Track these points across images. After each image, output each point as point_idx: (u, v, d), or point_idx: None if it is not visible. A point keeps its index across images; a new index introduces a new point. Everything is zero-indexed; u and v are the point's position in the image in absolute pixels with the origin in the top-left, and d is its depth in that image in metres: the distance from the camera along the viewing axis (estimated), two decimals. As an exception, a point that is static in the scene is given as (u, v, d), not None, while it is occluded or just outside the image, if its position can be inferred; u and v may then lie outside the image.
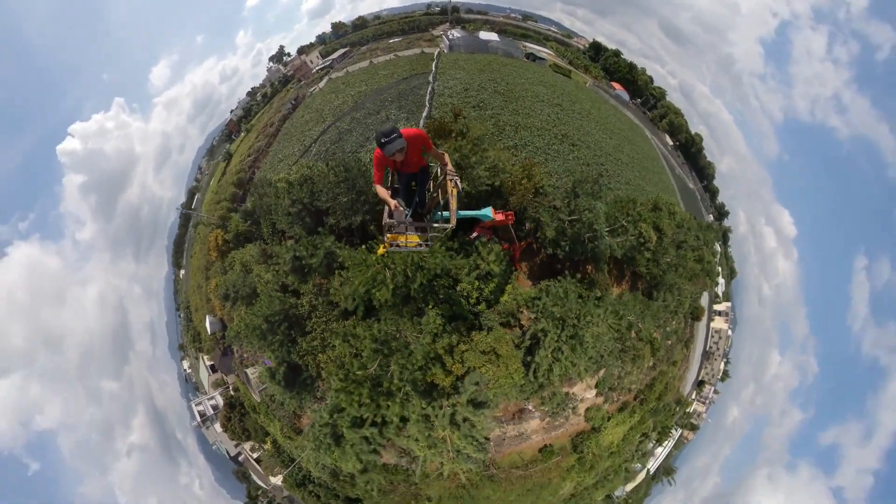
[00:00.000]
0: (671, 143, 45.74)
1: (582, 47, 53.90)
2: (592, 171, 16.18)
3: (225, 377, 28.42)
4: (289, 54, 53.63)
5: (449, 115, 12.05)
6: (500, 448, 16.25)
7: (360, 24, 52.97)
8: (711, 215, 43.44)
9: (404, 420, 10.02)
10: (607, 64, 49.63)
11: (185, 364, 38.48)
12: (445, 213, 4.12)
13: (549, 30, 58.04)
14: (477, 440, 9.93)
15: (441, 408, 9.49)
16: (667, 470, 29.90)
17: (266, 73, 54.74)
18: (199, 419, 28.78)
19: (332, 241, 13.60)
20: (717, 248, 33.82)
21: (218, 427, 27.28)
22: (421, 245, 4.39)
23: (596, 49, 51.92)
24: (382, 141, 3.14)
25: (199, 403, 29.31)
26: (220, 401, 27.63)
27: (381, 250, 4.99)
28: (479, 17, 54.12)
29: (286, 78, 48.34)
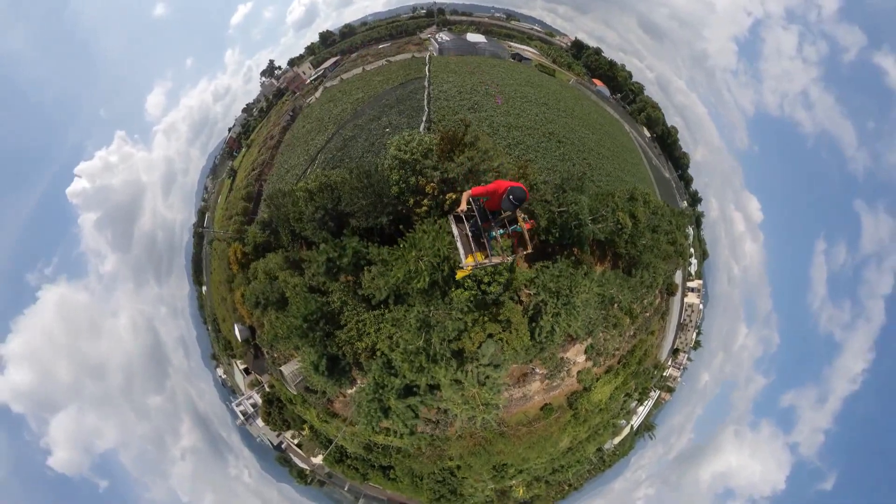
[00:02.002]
0: (649, 135, 48.96)
1: (564, 45, 56.23)
2: (577, 169, 18.72)
3: (259, 377, 30.35)
4: (279, 67, 53.50)
5: (460, 127, 14.00)
6: (508, 409, 19.00)
7: (348, 31, 53.17)
8: (686, 202, 47.26)
9: (437, 388, 12.35)
10: (589, 62, 52.28)
11: (220, 371, 40.39)
12: (514, 227, 4.71)
13: (532, 28, 59.90)
14: (497, 393, 12.47)
15: (468, 372, 11.92)
16: (648, 426, 34.24)
17: (259, 88, 54.63)
18: (242, 418, 30.99)
19: (357, 242, 15.40)
20: (690, 231, 37.83)
21: (260, 422, 29.49)
22: (498, 259, 4.76)
23: (578, 47, 54.44)
24: (514, 202, 3.70)
25: (240, 404, 31.49)
26: (257, 399, 29.62)
27: (461, 273, 5.62)
28: (464, 18, 55.36)
29: (280, 91, 48.46)
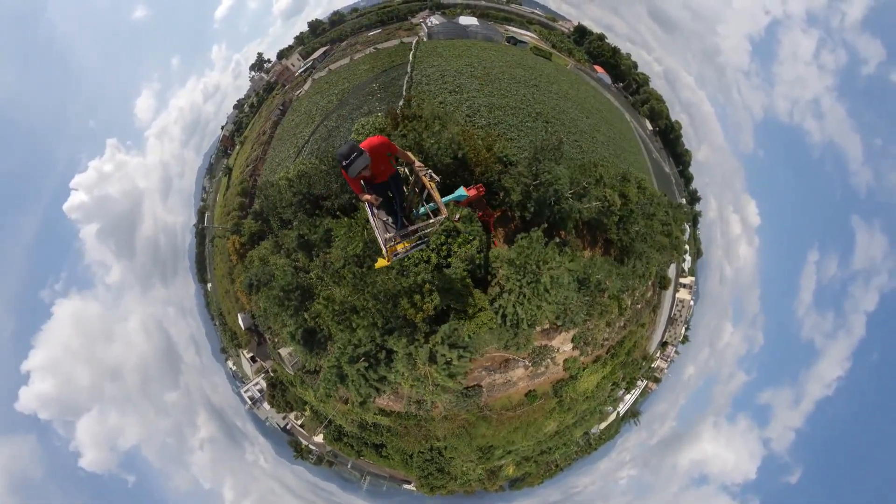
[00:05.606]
0: (651, 128, 46.01)
1: (566, 31, 53.83)
2: (552, 137, 16.75)
3: (263, 363, 31.93)
4: (269, 60, 53.09)
5: (403, 104, 13.50)
6: (491, 393, 18.51)
7: (338, 19, 52.35)
8: (685, 199, 44.47)
9: (390, 358, 11.99)
10: (591, 47, 49.49)
11: (230, 363, 42.50)
12: (430, 206, 4.23)
13: (532, 12, 57.44)
14: (453, 375, 11.93)
15: (421, 346, 11.39)
16: (633, 413, 34.49)
17: (249, 83, 54.19)
18: (249, 402, 33.01)
19: (329, 220, 15.46)
20: (687, 227, 36.51)
21: (266, 405, 31.36)
22: (419, 244, 4.42)
23: (581, 33, 51.69)
24: (344, 164, 3.06)
25: (247, 390, 33.37)
26: (263, 384, 31.42)
27: (380, 263, 4.90)
28: (459, 0, 53.67)
29: (270, 85, 48.23)
